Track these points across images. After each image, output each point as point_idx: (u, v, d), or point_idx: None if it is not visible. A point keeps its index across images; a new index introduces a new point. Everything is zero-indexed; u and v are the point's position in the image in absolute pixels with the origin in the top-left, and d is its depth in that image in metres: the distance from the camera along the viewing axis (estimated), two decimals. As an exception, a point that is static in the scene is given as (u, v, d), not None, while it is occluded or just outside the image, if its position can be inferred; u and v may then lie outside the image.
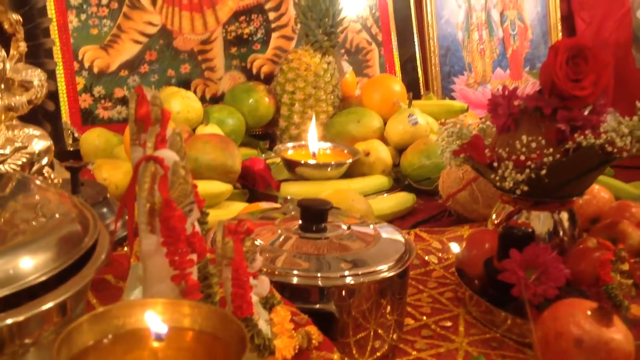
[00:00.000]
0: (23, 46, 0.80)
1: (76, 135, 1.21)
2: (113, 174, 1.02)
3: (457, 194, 1.05)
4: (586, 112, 0.86)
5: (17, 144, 0.75)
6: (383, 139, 1.28)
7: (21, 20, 0.80)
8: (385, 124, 1.30)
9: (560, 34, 1.68)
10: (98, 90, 1.27)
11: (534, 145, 0.81)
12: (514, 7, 1.66)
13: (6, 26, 0.81)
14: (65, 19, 1.22)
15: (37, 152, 0.78)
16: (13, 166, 0.75)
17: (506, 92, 0.88)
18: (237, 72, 1.41)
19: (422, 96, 1.52)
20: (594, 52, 0.86)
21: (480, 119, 1.24)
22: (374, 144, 1.23)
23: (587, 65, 0.85)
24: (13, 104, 0.76)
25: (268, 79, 1.40)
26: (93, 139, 1.17)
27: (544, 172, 0.80)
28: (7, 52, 0.79)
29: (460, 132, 0.92)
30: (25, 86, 0.78)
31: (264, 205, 0.93)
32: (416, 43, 1.56)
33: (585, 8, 1.69)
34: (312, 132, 1.22)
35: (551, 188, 0.83)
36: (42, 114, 0.84)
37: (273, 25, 1.43)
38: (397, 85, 1.39)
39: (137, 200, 0.51)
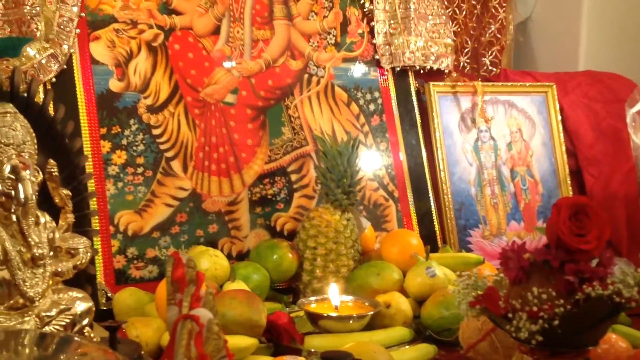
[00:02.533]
0: (71, 217, 0.89)
1: (109, 294, 1.27)
2: (144, 331, 1.07)
3: (477, 344, 1.07)
4: (593, 264, 0.91)
5: (62, 307, 0.81)
6: (403, 291, 1.32)
7: (70, 194, 0.89)
8: (404, 276, 1.34)
9: (570, 188, 1.76)
10: (131, 251, 1.34)
11: (544, 296, 0.85)
12: (524, 164, 1.75)
13: (57, 200, 0.90)
14: (103, 188, 1.32)
15: (79, 313, 0.84)
16: (57, 327, 0.81)
17: (515, 247, 0.94)
18: (262, 230, 1.48)
19: (439, 249, 1.57)
20: (594, 209, 0.92)
21: (497, 269, 1.28)
22: (394, 296, 1.27)
23: (590, 221, 0.91)
24: (60, 270, 0.84)
25: (291, 236, 1.47)
26: (125, 298, 1.23)
27: (556, 322, 0.83)
28: (57, 222, 0.88)
29: (476, 284, 0.96)
30: (72, 253, 0.86)
31: (289, 358, 0.96)
32: (431, 198, 1.64)
33: (592, 164, 1.78)
34: (334, 287, 1.26)
35: (565, 338, 0.85)
36: (83, 277, 0.91)
37: (295, 186, 1.53)
38: (415, 239, 1.45)
39: (175, 356, 0.56)
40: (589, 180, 1.77)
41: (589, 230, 0.90)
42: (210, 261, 1.29)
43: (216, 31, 1.49)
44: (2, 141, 0.83)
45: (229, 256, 1.40)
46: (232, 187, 1.46)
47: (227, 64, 1.49)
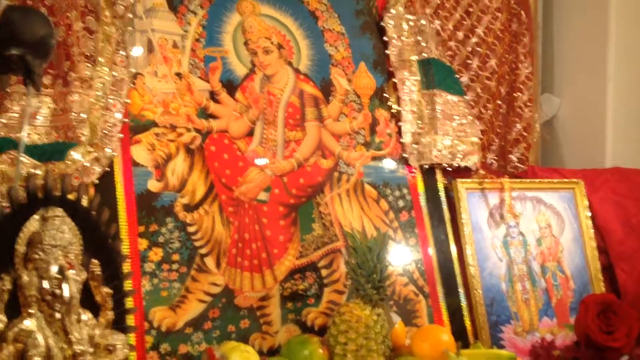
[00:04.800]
0: (110, 315, 0.93)
1: (143, 389, 1.29)
2: None
3: None
4: (623, 362, 0.91)
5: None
6: (434, 389, 1.31)
7: (111, 292, 0.93)
8: (435, 373, 1.34)
9: (602, 284, 1.75)
10: (164, 347, 1.36)
11: (574, 395, 0.86)
12: (554, 259, 1.75)
13: (98, 298, 0.94)
14: (139, 284, 1.36)
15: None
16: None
17: (545, 344, 0.95)
18: (293, 325, 1.50)
19: (470, 345, 1.56)
20: (622, 306, 0.93)
21: (530, 368, 1.27)
22: (425, 394, 1.27)
23: (618, 318, 0.92)
24: (98, 367, 0.87)
25: (322, 331, 1.47)
26: (157, 393, 1.24)
27: (586, 422, 0.83)
28: (97, 318, 0.91)
29: (506, 384, 0.96)
30: (110, 349, 0.89)
31: None
32: (461, 294, 1.65)
33: (624, 259, 1.77)
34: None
35: None
36: (120, 374, 0.94)
37: (326, 281, 1.55)
38: (446, 335, 1.44)
39: None
40: (621, 276, 1.76)
41: (617, 328, 0.91)
42: (242, 357, 1.30)
43: (250, 133, 1.56)
44: (51, 243, 0.89)
45: (260, 352, 1.41)
46: (263, 283, 1.49)
47: (260, 164, 1.55)
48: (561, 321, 1.69)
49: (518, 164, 1.94)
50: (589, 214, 1.81)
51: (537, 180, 1.84)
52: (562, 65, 2.18)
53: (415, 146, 1.72)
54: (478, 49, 1.95)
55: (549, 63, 2.20)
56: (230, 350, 1.31)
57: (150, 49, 1.51)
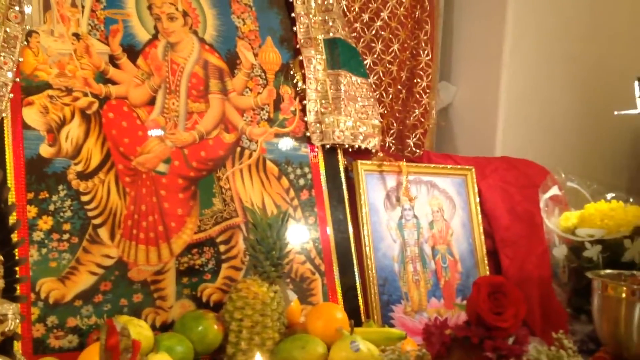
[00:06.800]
0: (1, 283, 0.87)
1: (26, 364, 1.23)
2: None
3: (399, 420, 1.10)
4: (510, 342, 0.96)
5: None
6: (327, 365, 1.33)
7: (2, 260, 0.88)
8: (329, 350, 1.36)
9: (487, 268, 1.83)
10: (51, 320, 1.31)
11: (465, 372, 0.89)
12: (444, 242, 1.82)
13: (-12, 265, 0.88)
14: (27, 253, 1.30)
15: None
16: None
17: (438, 323, 0.98)
18: (188, 300, 1.47)
19: (363, 323, 1.60)
20: (511, 288, 0.98)
21: (419, 345, 1.31)
22: (318, 370, 1.28)
23: (507, 299, 0.96)
24: (-14, 336, 0.82)
25: (217, 307, 1.46)
26: (43, 368, 1.19)
27: (476, 398, 0.87)
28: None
29: (399, 359, 0.99)
30: (1, 319, 0.84)
31: None
32: (356, 273, 1.68)
33: (508, 245, 1.86)
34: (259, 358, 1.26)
35: (484, 413, 0.89)
36: (10, 344, 0.89)
37: (223, 257, 1.53)
38: (340, 313, 1.47)
39: None
40: (505, 261, 1.84)
41: (506, 309, 0.96)
42: (134, 331, 1.26)
43: (151, 102, 1.51)
44: (-63, 205, 0.82)
45: (152, 327, 1.38)
46: (159, 257, 1.45)
47: (160, 134, 1.51)
48: (448, 302, 1.76)
49: (415, 149, 2.00)
50: (478, 199, 1.89)
51: (432, 165, 1.90)
52: (460, 55, 2.26)
53: (319, 125, 1.72)
54: (382, 32, 1.98)
55: (448, 52, 2.27)
56: (122, 324, 1.28)
57: (46, 6, 1.42)
